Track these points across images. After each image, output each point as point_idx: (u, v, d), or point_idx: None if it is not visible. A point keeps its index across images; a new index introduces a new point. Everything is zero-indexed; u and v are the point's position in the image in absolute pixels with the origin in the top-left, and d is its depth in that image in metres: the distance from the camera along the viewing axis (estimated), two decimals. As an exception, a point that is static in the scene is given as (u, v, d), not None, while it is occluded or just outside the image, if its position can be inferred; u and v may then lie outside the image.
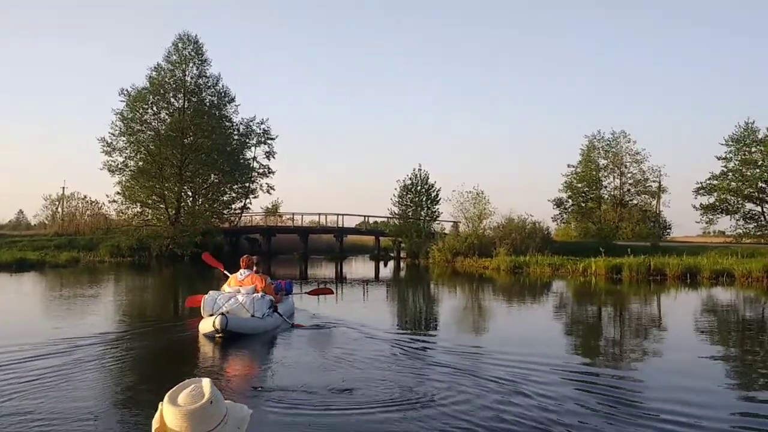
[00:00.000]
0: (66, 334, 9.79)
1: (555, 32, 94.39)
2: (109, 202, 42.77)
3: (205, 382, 1.79)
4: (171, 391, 1.78)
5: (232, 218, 48.31)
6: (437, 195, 41.85)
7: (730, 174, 51.28)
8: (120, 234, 40.16)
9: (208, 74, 43.21)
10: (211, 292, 10.27)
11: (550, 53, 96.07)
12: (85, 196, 49.47)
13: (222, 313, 9.44)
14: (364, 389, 6.41)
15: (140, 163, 41.54)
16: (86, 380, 6.93)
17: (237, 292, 10.19)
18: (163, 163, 40.80)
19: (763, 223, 51.72)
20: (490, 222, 37.46)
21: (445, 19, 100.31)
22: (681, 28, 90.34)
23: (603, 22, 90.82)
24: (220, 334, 9.30)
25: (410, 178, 42.12)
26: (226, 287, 10.65)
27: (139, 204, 41.79)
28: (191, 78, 42.47)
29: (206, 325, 9.61)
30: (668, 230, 56.49)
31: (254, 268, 10.99)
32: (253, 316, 9.77)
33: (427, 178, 42.03)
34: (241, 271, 10.77)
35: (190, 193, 43.98)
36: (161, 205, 41.83)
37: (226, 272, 11.88)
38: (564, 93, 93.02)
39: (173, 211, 41.53)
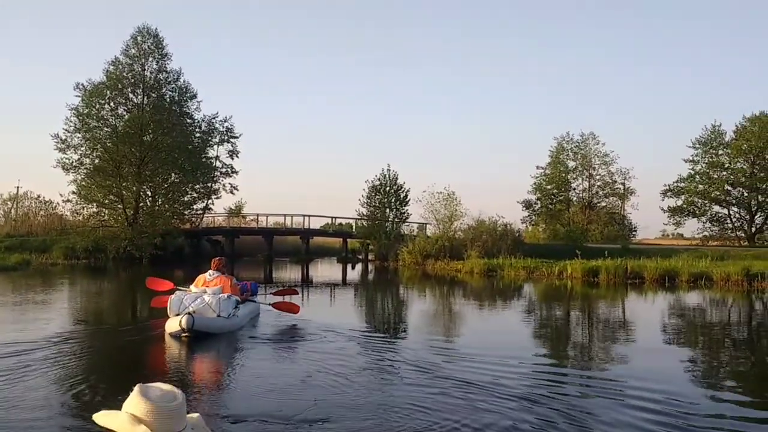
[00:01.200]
0: (13, 339, 9.21)
1: (525, 33, 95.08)
2: (64, 201, 41.26)
3: (167, 386, 1.82)
4: (137, 391, 1.76)
5: (194, 219, 47.11)
6: (406, 196, 41.52)
7: (698, 177, 52.16)
8: (75, 235, 38.69)
9: (168, 69, 42.05)
10: (177, 292, 10.59)
11: (518, 54, 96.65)
12: (39, 196, 47.92)
13: (188, 313, 9.65)
14: (340, 416, 5.58)
15: (96, 161, 40.15)
16: (33, 383, 6.65)
17: (203, 292, 10.45)
18: (120, 161, 39.44)
19: (729, 225, 52.74)
20: (460, 224, 37.16)
21: (415, 20, 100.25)
22: (650, 29, 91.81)
23: (576, 23, 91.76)
24: (186, 334, 9.53)
25: (379, 179, 41.71)
26: (192, 288, 10.92)
27: (95, 204, 40.36)
28: (151, 73, 41.25)
29: (172, 325, 9.77)
30: (634, 233, 57.26)
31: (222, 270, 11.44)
32: (219, 316, 10.04)
33: (396, 178, 41.70)
34: (210, 272, 11.14)
35: (149, 193, 42.67)
36: (119, 205, 40.42)
37: (180, 288, 11.72)
38: (534, 94, 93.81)
39: (131, 212, 40.21)
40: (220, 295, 10.37)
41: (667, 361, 9.04)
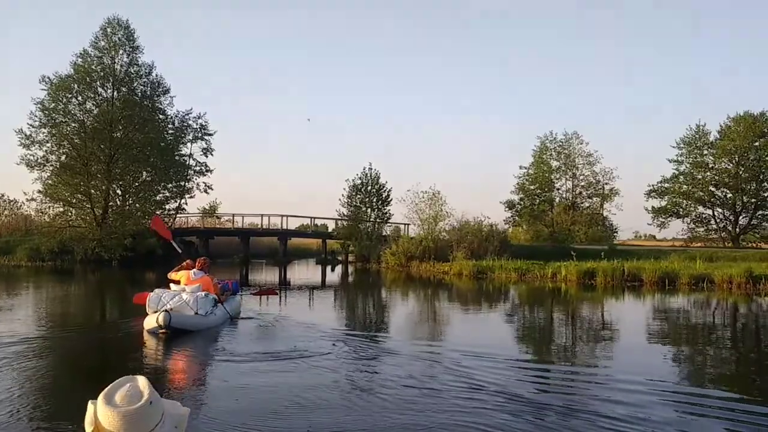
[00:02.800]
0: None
1: (505, 33, 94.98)
2: (28, 200, 39.74)
3: (142, 381, 1.77)
4: (105, 390, 1.74)
5: (166, 219, 45.71)
6: (388, 195, 40.75)
7: (681, 177, 52.09)
8: (40, 236, 37.26)
9: (140, 62, 40.79)
10: (156, 289, 10.85)
11: (500, 53, 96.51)
12: (2, 195, 46.58)
13: (165, 310, 10.03)
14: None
15: (63, 158, 38.75)
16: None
17: (182, 290, 10.87)
18: (89, 158, 38.10)
19: (713, 226, 52.72)
20: (444, 225, 36.34)
21: (397, 18, 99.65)
22: (632, 29, 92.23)
23: (557, 22, 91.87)
24: (163, 330, 9.86)
25: (360, 178, 40.91)
26: (172, 285, 11.32)
27: (61, 203, 38.89)
28: (121, 66, 39.90)
29: (150, 322, 10.18)
30: (615, 233, 57.02)
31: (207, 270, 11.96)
32: (196, 313, 10.44)
33: (378, 177, 40.90)
34: (195, 270, 11.59)
35: (119, 192, 41.38)
36: (87, 205, 38.96)
37: (173, 243, 13.63)
38: (516, 94, 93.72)
39: (100, 211, 38.85)
40: (198, 293, 10.74)
41: (675, 368, 8.87)
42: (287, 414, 5.73)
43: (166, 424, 1.75)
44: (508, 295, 20.57)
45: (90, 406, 1.74)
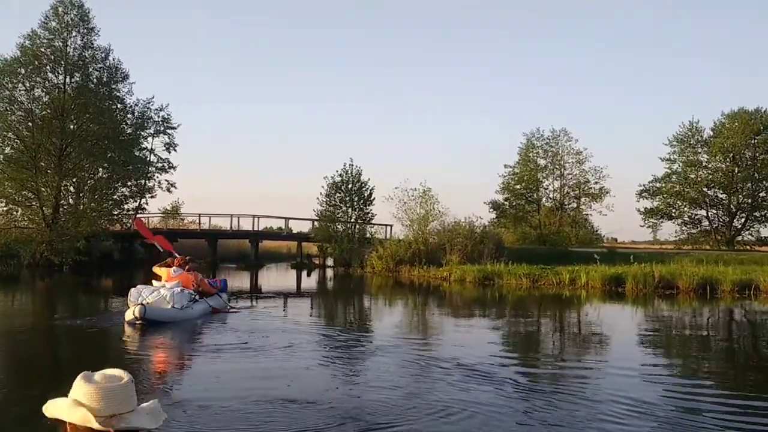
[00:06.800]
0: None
1: (494, 28, 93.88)
2: (-34, 198, 36.34)
3: (119, 370, 1.81)
4: (84, 373, 1.78)
5: (125, 220, 42.80)
6: (371, 194, 38.34)
7: (674, 176, 50.90)
8: (-20, 238, 33.96)
9: (95, 45, 37.69)
10: (138, 285, 12.27)
11: (487, 49, 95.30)
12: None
13: (141, 303, 11.36)
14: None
15: (8, 150, 35.66)
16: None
17: (162, 286, 12.22)
18: (37, 151, 35.02)
19: (706, 228, 51.58)
20: (433, 226, 34.06)
21: (383, 14, 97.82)
22: (623, 28, 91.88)
23: (547, 21, 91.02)
24: (139, 322, 11.17)
25: (340, 174, 38.42)
26: (155, 282, 12.74)
27: (5, 201, 35.79)
28: (74, 49, 36.77)
29: (128, 314, 11.46)
30: (600, 236, 55.61)
31: (186, 267, 13.34)
32: (173, 307, 11.82)
33: (360, 174, 38.46)
34: (175, 268, 13.07)
35: (72, 189, 38.44)
36: (35, 203, 35.87)
37: (156, 244, 15.78)
38: (503, 93, 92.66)
39: (50, 211, 35.74)
40: (176, 289, 12.08)
41: None
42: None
43: (141, 413, 1.75)
44: (529, 307, 18.15)
45: (50, 406, 1.76)
